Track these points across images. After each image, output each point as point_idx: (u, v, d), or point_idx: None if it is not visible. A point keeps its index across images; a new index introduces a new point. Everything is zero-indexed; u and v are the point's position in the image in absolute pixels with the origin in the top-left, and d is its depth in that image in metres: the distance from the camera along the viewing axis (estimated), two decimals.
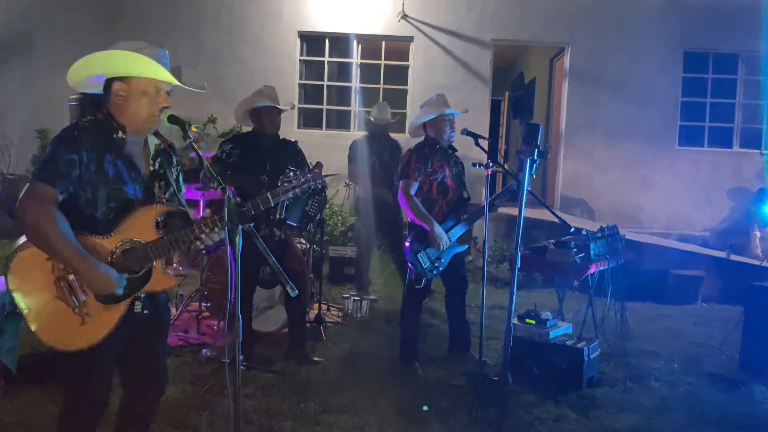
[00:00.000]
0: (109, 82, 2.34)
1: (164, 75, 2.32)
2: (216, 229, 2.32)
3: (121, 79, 2.31)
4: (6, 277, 2.18)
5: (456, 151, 4.68)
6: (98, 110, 2.36)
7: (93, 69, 2.32)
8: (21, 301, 2.20)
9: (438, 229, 4.31)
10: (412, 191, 4.40)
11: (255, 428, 3.43)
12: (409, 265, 4.42)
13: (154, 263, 2.33)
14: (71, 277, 2.20)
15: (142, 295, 2.36)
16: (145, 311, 2.38)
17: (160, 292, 2.46)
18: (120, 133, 2.32)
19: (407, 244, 4.40)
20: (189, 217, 2.43)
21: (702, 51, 10.08)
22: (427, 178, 4.45)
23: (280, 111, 4.48)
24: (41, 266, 2.19)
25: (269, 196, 2.47)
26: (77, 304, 2.21)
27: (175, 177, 2.50)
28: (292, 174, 2.51)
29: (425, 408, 3.74)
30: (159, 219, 2.35)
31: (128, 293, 2.29)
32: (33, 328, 2.20)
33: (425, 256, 4.36)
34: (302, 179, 2.50)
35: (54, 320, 2.21)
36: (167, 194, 2.45)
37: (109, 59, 2.29)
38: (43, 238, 2.13)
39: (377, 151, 6.39)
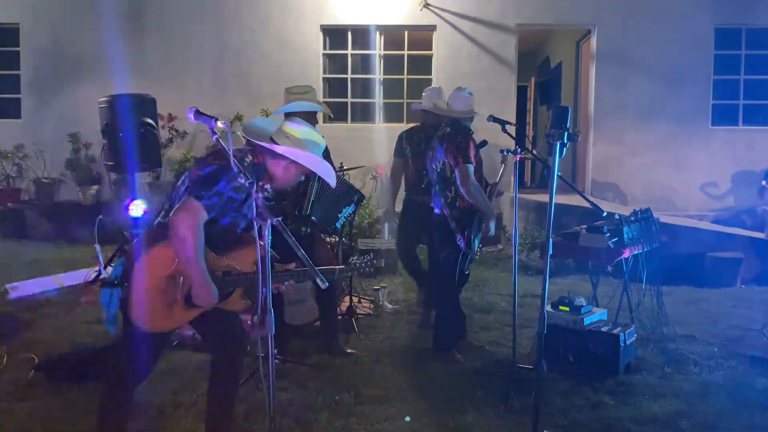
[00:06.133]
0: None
1: (325, 174, 2.81)
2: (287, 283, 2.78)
3: (293, 161, 2.72)
4: (141, 256, 2.60)
5: None
6: (253, 152, 2.76)
7: (275, 137, 2.74)
8: (139, 278, 2.56)
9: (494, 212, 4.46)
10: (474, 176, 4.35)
11: (291, 421, 3.45)
12: (462, 252, 4.35)
13: (237, 289, 2.76)
14: (180, 279, 2.61)
15: None
16: None
17: (229, 311, 2.85)
18: (265, 184, 2.72)
19: (464, 232, 4.35)
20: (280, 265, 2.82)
21: (734, 27, 9.81)
22: (476, 166, 4.40)
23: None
24: (167, 261, 2.60)
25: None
26: (172, 299, 2.62)
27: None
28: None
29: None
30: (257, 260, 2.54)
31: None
32: (130, 301, 2.59)
33: (477, 242, 4.43)
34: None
35: (148, 303, 2.60)
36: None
37: (295, 141, 2.72)
38: (186, 253, 2.51)
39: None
